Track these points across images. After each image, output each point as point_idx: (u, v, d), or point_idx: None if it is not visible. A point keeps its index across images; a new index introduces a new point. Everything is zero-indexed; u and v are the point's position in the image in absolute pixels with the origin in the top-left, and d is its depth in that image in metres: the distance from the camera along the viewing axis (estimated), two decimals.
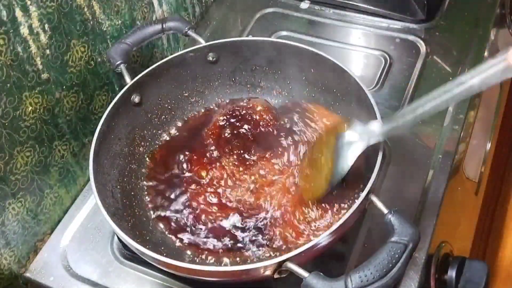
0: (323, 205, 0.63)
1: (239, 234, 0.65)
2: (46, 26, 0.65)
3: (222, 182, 0.69)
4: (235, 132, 0.73)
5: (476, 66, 0.45)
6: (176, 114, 0.78)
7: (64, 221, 0.75)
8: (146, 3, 0.84)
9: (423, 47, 0.89)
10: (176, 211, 0.68)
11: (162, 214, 0.68)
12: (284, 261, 0.52)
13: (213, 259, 0.63)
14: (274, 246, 0.63)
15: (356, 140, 0.58)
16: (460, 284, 0.66)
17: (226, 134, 0.73)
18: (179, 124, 0.77)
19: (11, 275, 0.69)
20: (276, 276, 0.54)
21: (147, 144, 0.75)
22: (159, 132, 0.76)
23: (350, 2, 0.96)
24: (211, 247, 0.64)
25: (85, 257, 0.70)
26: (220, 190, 0.69)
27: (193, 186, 0.69)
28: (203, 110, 0.79)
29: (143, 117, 0.74)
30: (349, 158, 0.58)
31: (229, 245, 0.64)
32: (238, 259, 0.63)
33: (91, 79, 0.75)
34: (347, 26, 0.95)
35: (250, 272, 0.54)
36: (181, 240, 0.65)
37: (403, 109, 0.54)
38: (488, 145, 0.94)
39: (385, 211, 0.54)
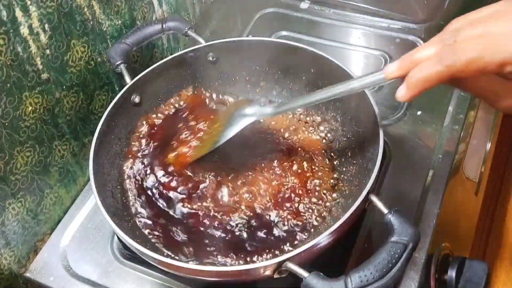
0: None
1: (239, 234, 0.65)
2: (46, 26, 0.65)
3: (217, 183, 0.69)
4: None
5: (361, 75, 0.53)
6: None
7: (64, 221, 0.75)
8: (146, 3, 0.84)
9: None
10: (176, 211, 0.68)
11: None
12: (284, 261, 0.52)
13: (214, 259, 0.63)
14: (274, 241, 0.63)
15: (249, 114, 0.67)
16: (460, 284, 0.66)
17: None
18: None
19: (11, 275, 0.69)
20: (276, 276, 0.54)
21: None
22: None
23: (350, 2, 0.96)
24: (211, 247, 0.64)
25: (85, 257, 0.70)
26: (216, 191, 0.69)
27: (190, 187, 0.70)
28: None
29: (143, 117, 0.74)
30: (238, 126, 0.67)
31: (229, 245, 0.64)
32: (238, 259, 0.63)
33: (91, 79, 0.75)
34: (347, 26, 0.95)
35: (250, 272, 0.54)
36: (182, 240, 0.65)
37: (294, 98, 0.63)
38: (488, 145, 0.93)
39: (385, 211, 0.54)
